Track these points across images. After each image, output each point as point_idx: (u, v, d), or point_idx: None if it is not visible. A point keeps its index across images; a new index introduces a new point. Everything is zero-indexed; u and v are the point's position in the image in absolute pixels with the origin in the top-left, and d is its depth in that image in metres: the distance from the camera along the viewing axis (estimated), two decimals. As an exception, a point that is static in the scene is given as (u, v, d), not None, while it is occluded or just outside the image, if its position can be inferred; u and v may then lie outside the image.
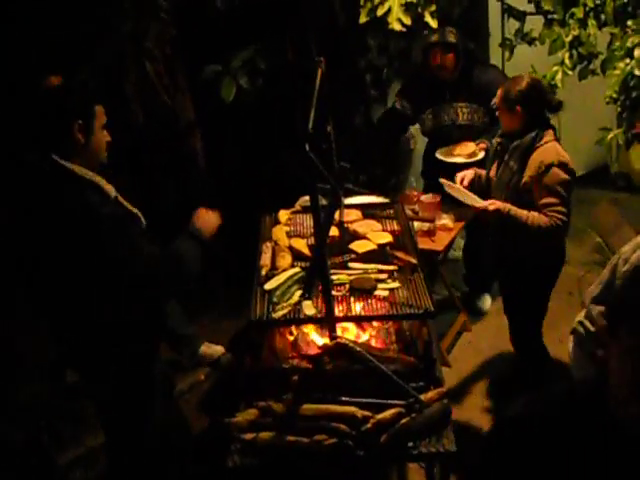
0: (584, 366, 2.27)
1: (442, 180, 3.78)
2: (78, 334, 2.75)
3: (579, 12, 3.57)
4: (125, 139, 4.54)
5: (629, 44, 3.32)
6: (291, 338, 3.16)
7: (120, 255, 2.56)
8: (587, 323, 2.24)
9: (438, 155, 4.47)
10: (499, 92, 3.49)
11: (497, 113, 3.54)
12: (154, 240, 2.78)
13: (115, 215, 2.59)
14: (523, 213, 3.39)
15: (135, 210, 2.78)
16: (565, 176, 3.33)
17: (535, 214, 3.39)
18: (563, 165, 3.33)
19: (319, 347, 2.92)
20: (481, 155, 4.35)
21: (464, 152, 4.43)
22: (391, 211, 3.72)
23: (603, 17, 3.53)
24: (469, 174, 3.83)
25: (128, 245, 2.58)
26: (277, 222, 3.65)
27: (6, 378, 4.00)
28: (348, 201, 3.85)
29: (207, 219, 2.88)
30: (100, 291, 2.61)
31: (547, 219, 3.33)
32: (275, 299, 2.91)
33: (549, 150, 3.37)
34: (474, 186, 3.80)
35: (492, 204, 3.46)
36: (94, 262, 2.54)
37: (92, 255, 2.53)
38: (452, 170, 4.07)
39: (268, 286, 3.00)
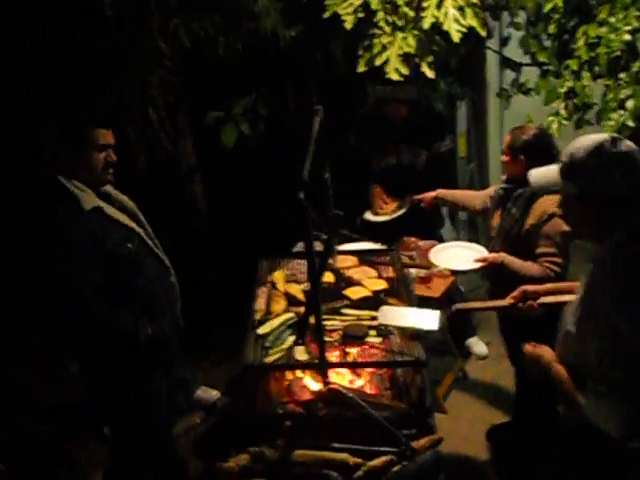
0: None
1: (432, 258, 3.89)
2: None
3: (574, 64, 3.64)
4: (127, 184, 4.64)
5: (622, 96, 3.39)
6: (285, 383, 3.16)
7: (63, 269, 2.85)
8: None
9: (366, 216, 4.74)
10: (506, 138, 3.54)
11: (502, 158, 3.57)
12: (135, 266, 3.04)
13: (76, 231, 2.88)
14: (517, 262, 3.42)
15: (129, 223, 3.08)
16: (565, 227, 3.33)
17: (529, 264, 3.41)
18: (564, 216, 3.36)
19: (312, 393, 2.93)
20: (403, 210, 4.61)
21: (389, 209, 4.71)
22: (387, 258, 3.75)
23: (597, 69, 3.60)
24: (428, 196, 3.95)
25: (77, 266, 2.86)
26: (274, 268, 3.67)
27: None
28: (345, 247, 3.90)
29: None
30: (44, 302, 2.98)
31: (540, 269, 3.35)
32: (268, 344, 2.92)
33: (552, 200, 3.37)
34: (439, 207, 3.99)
35: (485, 260, 3.52)
36: (39, 273, 2.91)
37: (39, 263, 2.91)
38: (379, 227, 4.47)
39: (261, 330, 3.01)
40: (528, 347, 2.48)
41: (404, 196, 4.64)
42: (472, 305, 3.11)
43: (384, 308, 3.06)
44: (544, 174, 2.39)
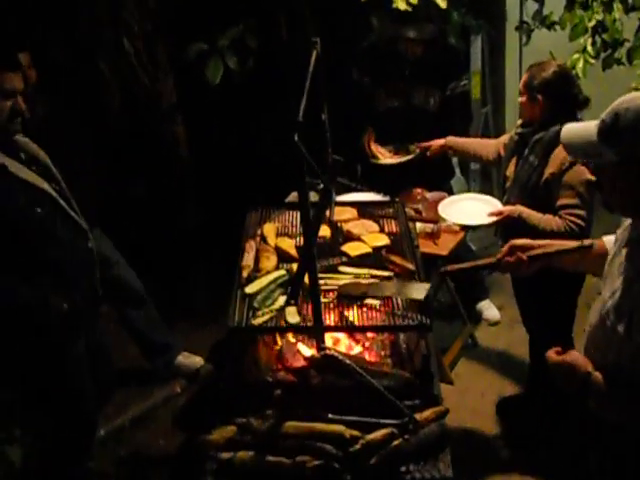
0: None
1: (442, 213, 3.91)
2: None
3: (604, -6, 3.60)
4: (100, 124, 4.59)
5: (658, 31, 3.36)
6: (276, 348, 3.18)
7: None
8: None
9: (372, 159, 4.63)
10: (523, 77, 3.51)
11: (519, 99, 3.56)
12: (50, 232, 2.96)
13: None
14: (535, 216, 3.42)
15: (38, 183, 2.96)
16: (589, 176, 3.32)
17: (549, 217, 3.40)
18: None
19: (305, 359, 2.94)
20: (412, 155, 4.49)
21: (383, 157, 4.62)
22: (390, 210, 3.74)
23: (630, 0, 3.56)
24: (436, 143, 3.99)
25: None
26: (263, 220, 3.66)
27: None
28: (343, 198, 3.89)
29: None
30: None
31: (561, 222, 3.34)
32: (256, 304, 2.92)
33: None
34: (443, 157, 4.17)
35: (499, 213, 3.52)
36: None
37: None
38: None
39: (249, 289, 3.00)
40: (552, 355, 2.32)
41: (412, 141, 4.59)
42: (460, 266, 3.08)
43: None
44: (579, 132, 2.19)
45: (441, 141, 4.16)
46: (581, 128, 2.19)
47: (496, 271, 3.04)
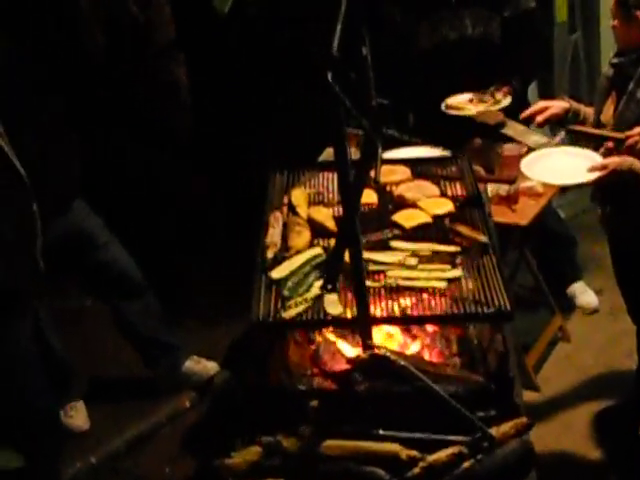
0: None
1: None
2: None
3: None
4: (79, 68, 4.62)
5: None
6: (311, 348, 3.20)
7: None
8: None
9: (445, 108, 4.44)
10: None
11: (612, 23, 3.52)
12: None
13: None
14: None
15: None
16: None
17: None
18: None
19: (348, 361, 2.96)
20: (505, 102, 4.33)
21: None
22: (454, 169, 3.74)
23: None
24: (556, 106, 3.79)
25: None
26: (291, 185, 3.67)
27: None
28: (392, 154, 3.89)
29: None
30: None
31: None
32: (286, 292, 2.93)
33: None
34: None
35: (605, 167, 3.44)
36: None
37: None
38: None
39: (276, 274, 3.02)
40: None
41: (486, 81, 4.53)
42: (584, 128, 3.05)
43: None
44: None
45: (563, 103, 3.94)
46: None
47: (618, 147, 3.18)
